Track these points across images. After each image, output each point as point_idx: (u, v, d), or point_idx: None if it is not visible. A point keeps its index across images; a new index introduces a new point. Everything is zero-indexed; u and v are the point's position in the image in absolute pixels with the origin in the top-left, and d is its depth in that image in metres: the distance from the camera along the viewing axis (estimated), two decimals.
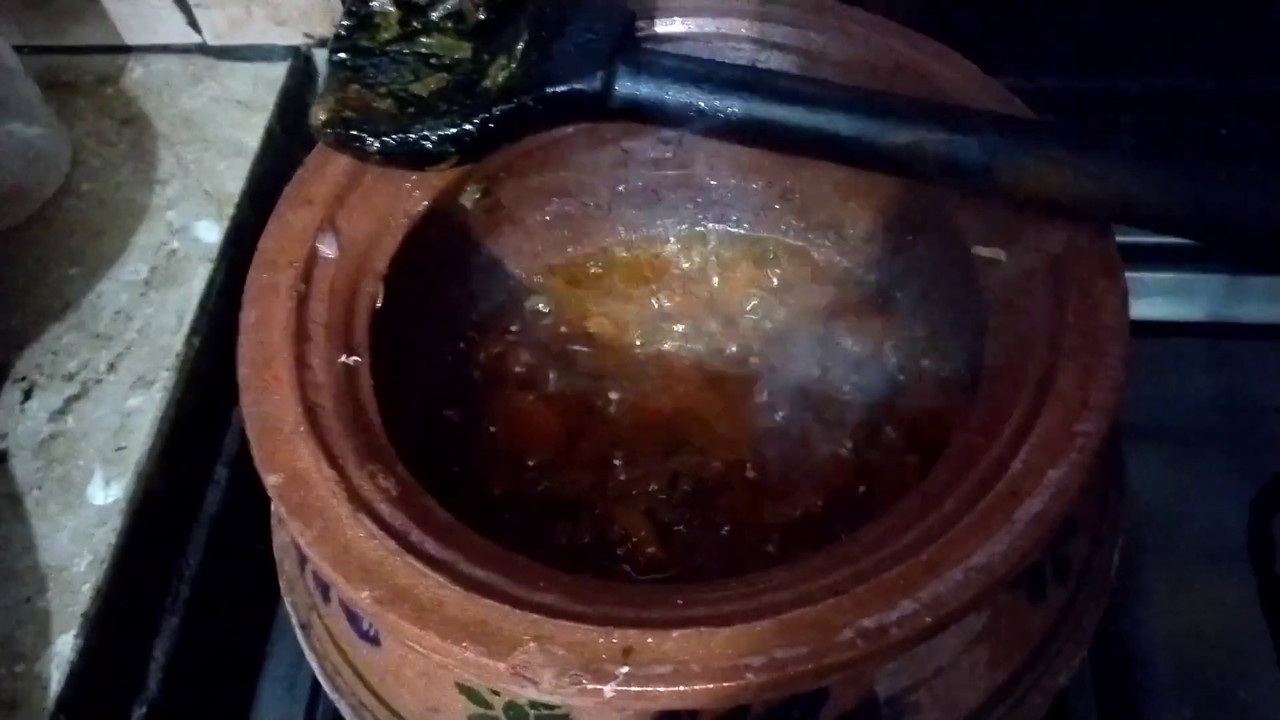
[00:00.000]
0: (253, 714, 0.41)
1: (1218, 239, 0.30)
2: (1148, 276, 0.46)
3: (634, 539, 0.36)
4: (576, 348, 0.40)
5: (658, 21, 0.36)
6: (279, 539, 0.33)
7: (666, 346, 0.39)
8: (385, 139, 0.30)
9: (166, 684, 0.39)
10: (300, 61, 0.52)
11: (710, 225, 0.42)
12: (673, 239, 0.42)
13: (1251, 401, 0.43)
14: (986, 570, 0.24)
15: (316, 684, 0.40)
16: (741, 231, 0.42)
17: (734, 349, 0.39)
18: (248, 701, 0.42)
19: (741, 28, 0.35)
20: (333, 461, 0.26)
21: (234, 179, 0.48)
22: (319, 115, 0.31)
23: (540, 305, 0.41)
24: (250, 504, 0.37)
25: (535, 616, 0.24)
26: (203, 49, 0.52)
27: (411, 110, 0.31)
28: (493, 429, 0.38)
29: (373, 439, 0.28)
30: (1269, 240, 0.28)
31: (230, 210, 0.47)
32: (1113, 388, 0.26)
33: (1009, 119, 0.31)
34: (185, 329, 0.43)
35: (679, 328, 0.40)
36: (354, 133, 0.30)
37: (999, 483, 0.25)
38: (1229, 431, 0.43)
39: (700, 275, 0.41)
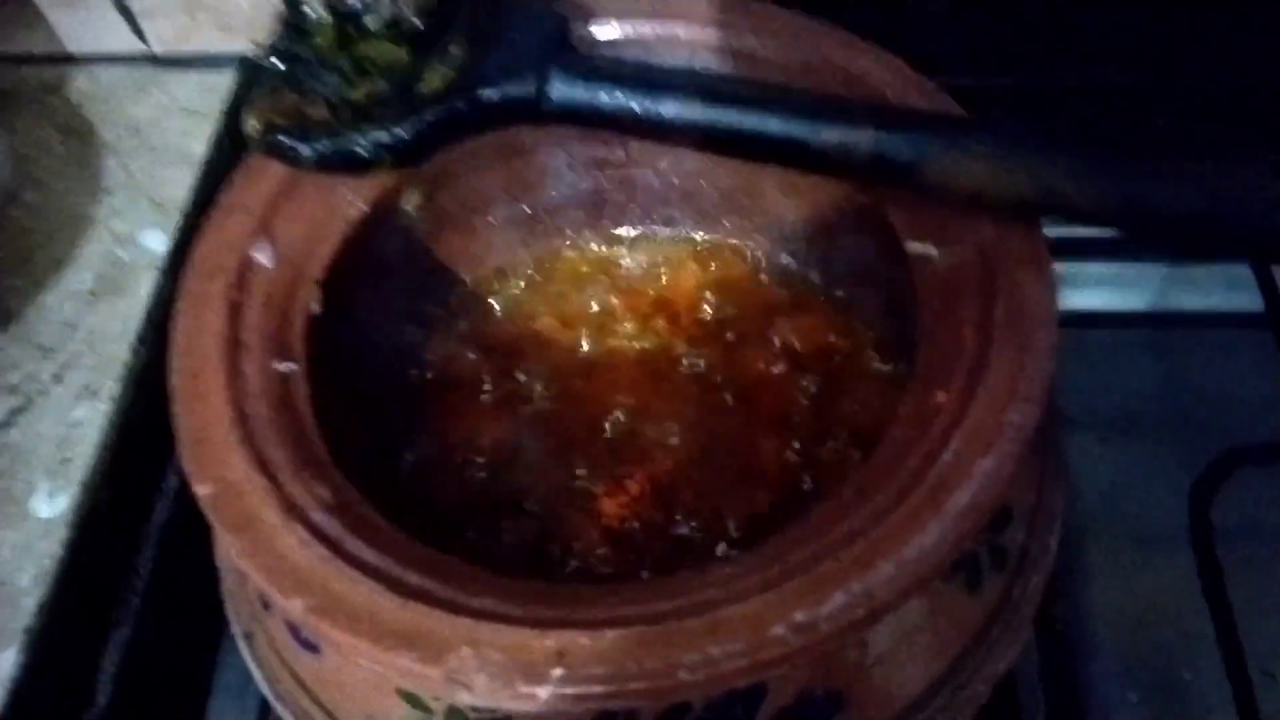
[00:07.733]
0: None
1: (1145, 231, 0.30)
2: (1089, 268, 0.47)
3: (582, 539, 0.36)
4: (524, 348, 0.40)
5: (594, 26, 0.35)
6: (220, 549, 0.33)
7: (613, 345, 0.39)
8: (317, 145, 0.30)
9: (115, 697, 0.39)
10: (247, 70, 0.51)
11: (656, 226, 0.42)
12: (619, 240, 0.42)
13: (1190, 389, 0.44)
14: (916, 563, 0.24)
15: None
16: (686, 232, 0.42)
17: (680, 347, 0.39)
18: (198, 713, 0.41)
19: (677, 31, 0.35)
20: (265, 470, 0.26)
21: (181, 187, 0.47)
22: (251, 123, 0.31)
23: (487, 307, 0.41)
24: (200, 514, 0.37)
25: (469, 621, 0.23)
26: (149, 58, 0.52)
27: (346, 117, 0.31)
28: (440, 431, 0.38)
29: (308, 446, 0.28)
30: (1194, 232, 0.29)
31: (177, 219, 0.46)
32: (1041, 377, 0.26)
33: (936, 116, 0.31)
34: (132, 338, 0.42)
35: (626, 326, 0.40)
36: (286, 140, 0.30)
37: (929, 474, 0.25)
38: (1169, 419, 0.44)
39: (646, 275, 0.41)
